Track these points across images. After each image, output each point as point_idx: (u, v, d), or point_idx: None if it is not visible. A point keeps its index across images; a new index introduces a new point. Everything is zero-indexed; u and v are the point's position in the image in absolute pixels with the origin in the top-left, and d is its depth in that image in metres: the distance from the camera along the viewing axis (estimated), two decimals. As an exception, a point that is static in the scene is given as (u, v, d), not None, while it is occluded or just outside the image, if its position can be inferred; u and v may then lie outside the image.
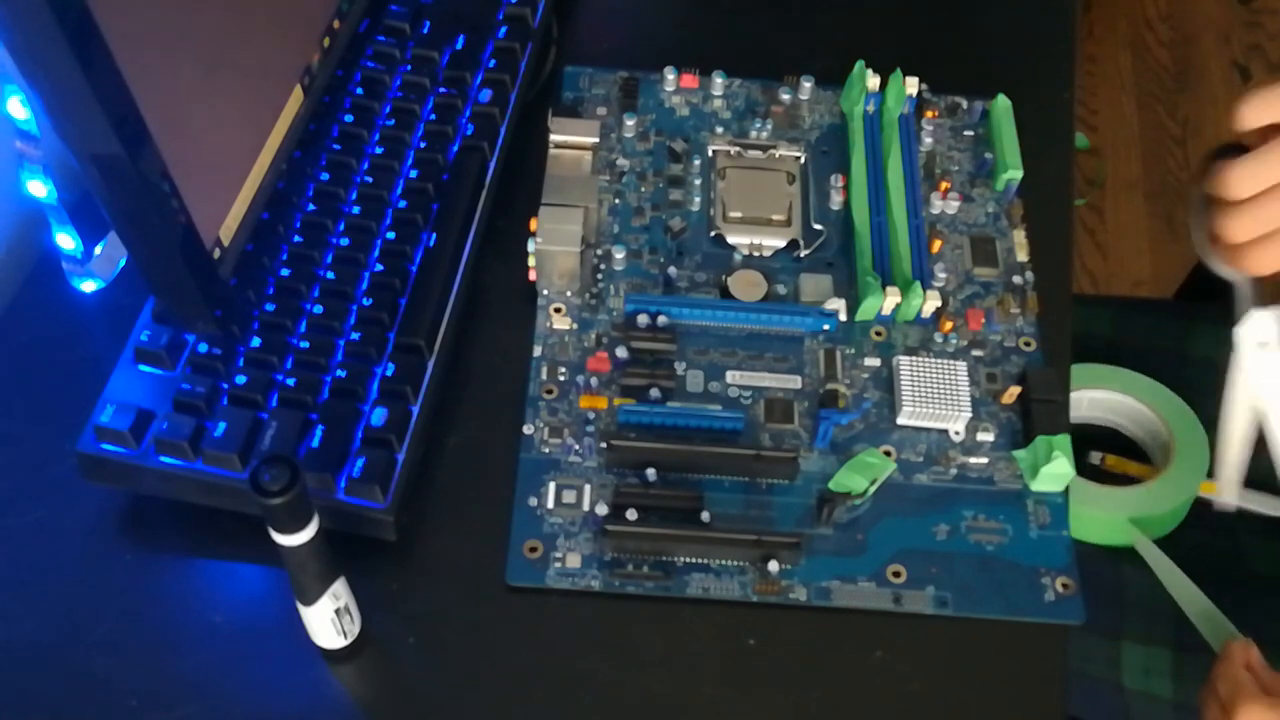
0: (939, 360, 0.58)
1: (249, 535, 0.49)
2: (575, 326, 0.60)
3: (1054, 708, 0.52)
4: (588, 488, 0.55)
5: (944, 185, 0.65)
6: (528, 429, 0.56)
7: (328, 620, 0.49)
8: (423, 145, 0.62)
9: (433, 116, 0.64)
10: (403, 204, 0.60)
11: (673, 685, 0.51)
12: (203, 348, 0.54)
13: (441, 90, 0.65)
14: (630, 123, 0.67)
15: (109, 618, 0.52)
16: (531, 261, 0.59)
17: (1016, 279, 0.63)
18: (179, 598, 0.53)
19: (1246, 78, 1.77)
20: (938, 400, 0.57)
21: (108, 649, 0.51)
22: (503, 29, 0.68)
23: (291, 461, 0.42)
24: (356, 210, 0.60)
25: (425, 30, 0.67)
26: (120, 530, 0.54)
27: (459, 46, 0.66)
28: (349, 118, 0.62)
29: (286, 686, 0.51)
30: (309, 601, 0.48)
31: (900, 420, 0.57)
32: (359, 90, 0.64)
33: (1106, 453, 0.77)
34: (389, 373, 0.54)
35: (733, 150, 0.66)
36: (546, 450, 0.56)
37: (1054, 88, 0.72)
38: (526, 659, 0.51)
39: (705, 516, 0.54)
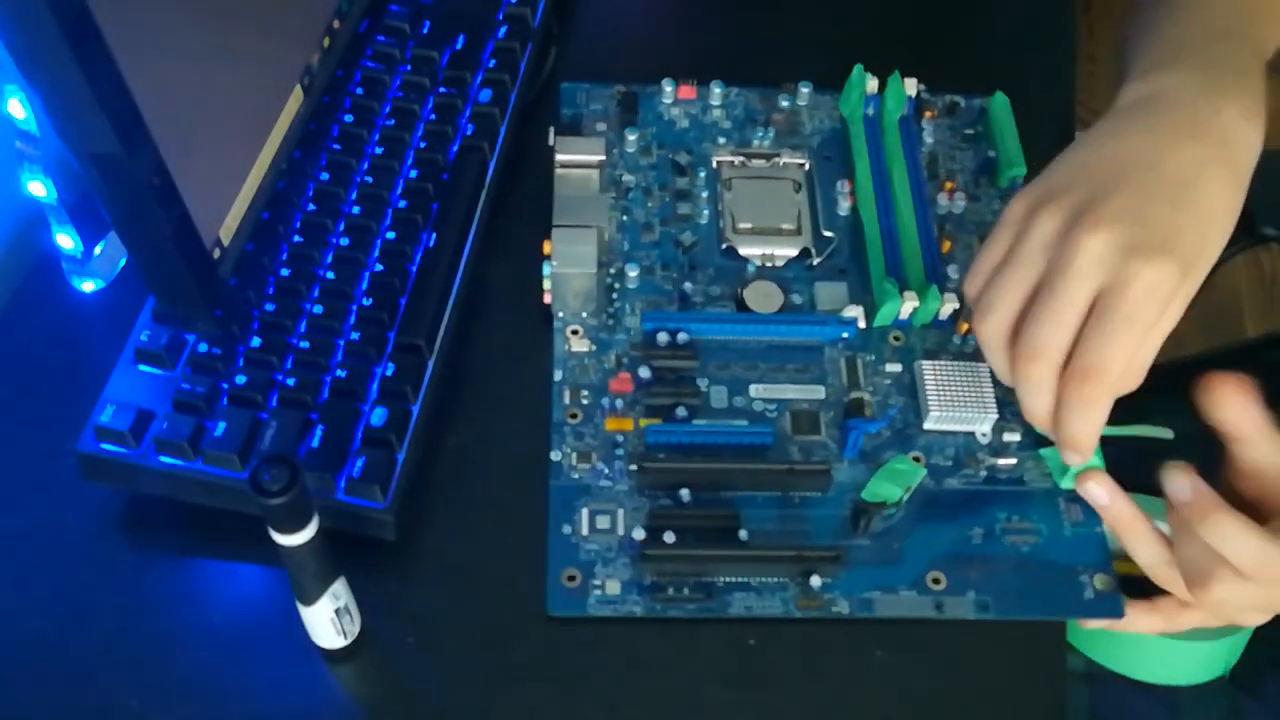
0: (960, 362, 0.58)
1: (249, 535, 0.49)
2: (594, 348, 0.59)
3: (1053, 703, 0.52)
4: (621, 512, 0.54)
5: (949, 185, 0.65)
6: (555, 455, 0.55)
7: (328, 620, 0.49)
8: (423, 145, 0.62)
9: (433, 116, 0.64)
10: (403, 204, 0.60)
11: (673, 686, 0.51)
12: (203, 348, 0.54)
13: (441, 90, 0.65)
14: (632, 138, 0.66)
15: (109, 618, 0.52)
16: (547, 285, 0.58)
17: (1029, 275, 0.62)
18: (179, 598, 0.53)
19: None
20: (963, 403, 0.56)
21: (108, 649, 0.51)
22: (503, 29, 0.68)
23: (291, 461, 0.42)
24: (356, 210, 0.59)
25: (425, 30, 0.67)
26: (120, 530, 0.54)
27: (459, 46, 0.66)
28: (349, 118, 0.62)
29: (286, 686, 0.51)
30: (309, 601, 0.48)
31: (927, 425, 0.57)
32: (359, 90, 0.64)
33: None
34: (389, 373, 0.54)
35: (736, 160, 0.66)
36: (576, 476, 0.55)
37: (1054, 87, 0.72)
38: (526, 659, 0.51)
39: (743, 534, 0.53)
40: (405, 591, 0.53)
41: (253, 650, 0.51)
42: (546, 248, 0.58)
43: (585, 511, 0.54)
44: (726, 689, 0.51)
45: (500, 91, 0.65)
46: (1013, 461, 0.57)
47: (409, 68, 0.65)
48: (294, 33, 0.58)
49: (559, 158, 0.62)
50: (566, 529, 0.53)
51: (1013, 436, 0.57)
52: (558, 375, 0.58)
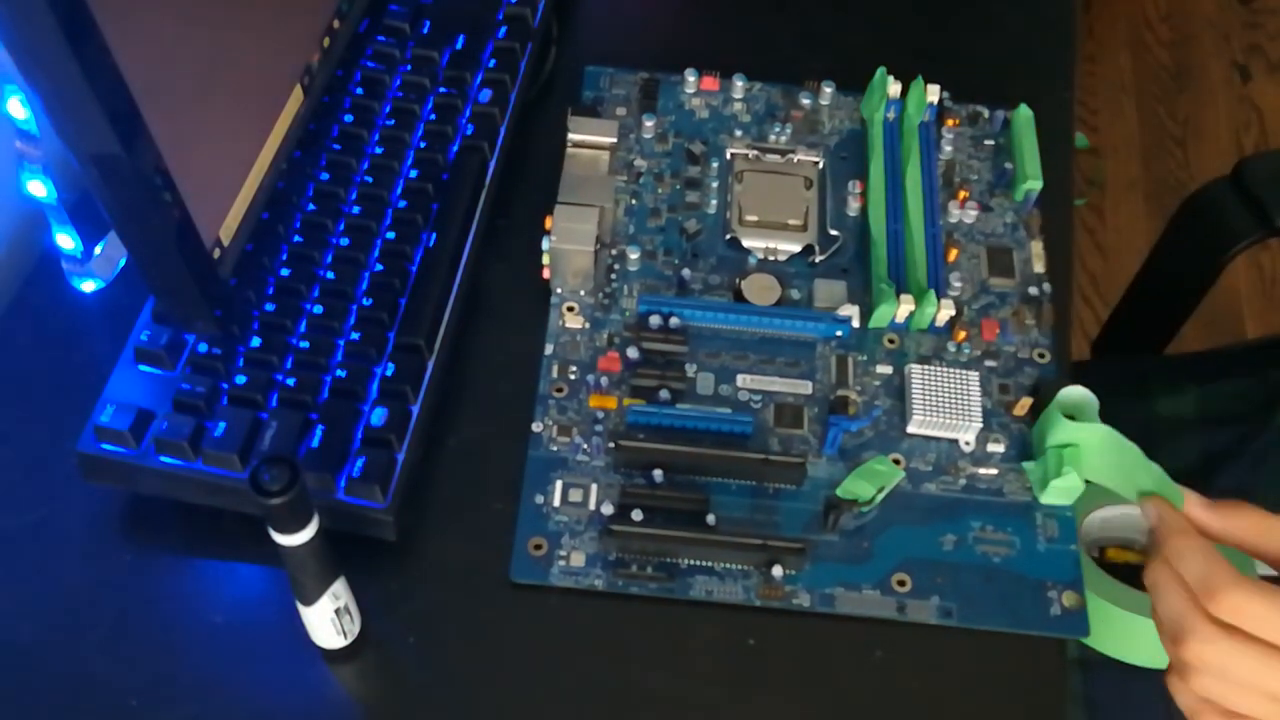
0: (951, 369, 0.58)
1: (249, 535, 0.49)
2: (587, 326, 0.60)
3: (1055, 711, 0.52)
4: (594, 487, 0.55)
5: (963, 194, 0.65)
6: (536, 427, 0.56)
7: (328, 620, 0.49)
8: (423, 145, 0.62)
9: (433, 116, 0.64)
10: (403, 204, 0.60)
11: (673, 685, 0.51)
12: (203, 348, 0.54)
13: (441, 90, 0.65)
14: (649, 124, 0.66)
15: (109, 618, 0.52)
16: (545, 260, 0.59)
17: (1033, 290, 0.62)
18: (179, 598, 0.53)
19: (1246, 78, 1.77)
20: (949, 410, 0.56)
21: (108, 649, 0.51)
22: (503, 29, 0.68)
23: (291, 461, 0.42)
24: (356, 210, 0.60)
25: (425, 30, 0.67)
26: (120, 530, 0.54)
27: (459, 46, 0.66)
28: (349, 118, 0.62)
29: (286, 686, 0.51)
30: (309, 601, 0.48)
31: (910, 429, 0.57)
32: (359, 90, 0.64)
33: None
34: (389, 373, 0.54)
35: (751, 154, 0.66)
36: (555, 449, 0.56)
37: (1054, 88, 0.72)
38: (527, 658, 0.51)
39: (710, 519, 0.54)
40: (405, 591, 0.53)
41: (253, 650, 0.51)
42: (548, 223, 0.58)
43: (559, 484, 0.55)
44: (730, 690, 0.51)
45: (500, 91, 0.65)
46: (994, 472, 0.57)
47: (409, 68, 0.65)
48: (294, 33, 0.58)
49: (571, 136, 0.62)
50: (539, 499, 0.54)
51: (996, 447, 0.57)
52: (549, 349, 0.59)
